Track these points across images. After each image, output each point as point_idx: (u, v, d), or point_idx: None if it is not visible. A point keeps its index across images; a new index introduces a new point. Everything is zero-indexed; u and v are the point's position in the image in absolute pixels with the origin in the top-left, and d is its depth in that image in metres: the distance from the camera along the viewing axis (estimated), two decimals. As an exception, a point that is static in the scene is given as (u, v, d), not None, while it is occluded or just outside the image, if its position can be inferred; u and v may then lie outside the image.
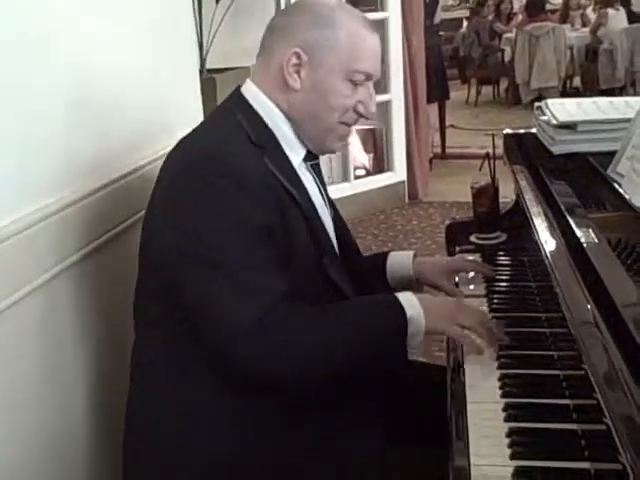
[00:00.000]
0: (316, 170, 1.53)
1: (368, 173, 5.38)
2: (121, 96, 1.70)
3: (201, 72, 3.47)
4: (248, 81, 1.47)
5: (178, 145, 1.40)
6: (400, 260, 1.73)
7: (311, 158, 1.50)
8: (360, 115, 1.46)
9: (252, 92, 1.44)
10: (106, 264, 1.59)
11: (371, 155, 5.43)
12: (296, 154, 1.45)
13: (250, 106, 1.43)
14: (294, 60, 1.39)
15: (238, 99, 1.45)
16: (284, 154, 1.42)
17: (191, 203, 1.30)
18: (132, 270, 1.45)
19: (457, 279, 1.78)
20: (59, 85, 1.46)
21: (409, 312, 1.36)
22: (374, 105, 1.47)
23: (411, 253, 1.75)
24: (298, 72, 1.40)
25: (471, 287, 1.74)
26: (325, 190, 1.56)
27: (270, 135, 1.42)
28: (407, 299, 1.38)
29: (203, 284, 1.29)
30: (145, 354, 1.43)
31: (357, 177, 5.20)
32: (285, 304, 1.29)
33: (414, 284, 1.71)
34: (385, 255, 1.75)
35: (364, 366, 1.39)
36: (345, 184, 5.07)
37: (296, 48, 1.39)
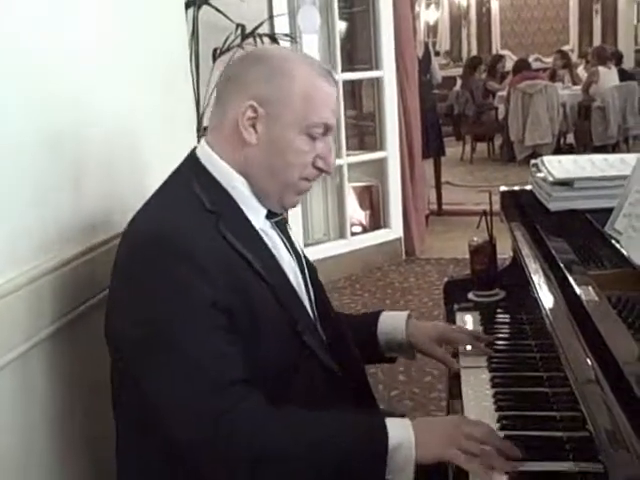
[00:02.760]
0: (282, 227, 1.47)
1: (365, 230, 5.38)
2: (113, 157, 1.67)
3: (198, 130, 3.50)
4: (202, 142, 1.42)
5: (131, 224, 1.35)
6: (393, 321, 1.64)
7: (275, 215, 1.44)
8: (320, 170, 1.40)
9: (206, 154, 1.39)
10: (82, 337, 1.52)
11: (367, 212, 5.45)
12: (257, 214, 1.40)
13: (205, 169, 1.38)
14: (250, 113, 1.34)
15: (193, 163, 1.39)
16: (243, 216, 1.37)
17: (143, 288, 1.24)
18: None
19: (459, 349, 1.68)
20: (40, 144, 1.42)
21: (393, 440, 1.20)
22: (333, 158, 1.43)
23: (405, 314, 1.66)
24: (254, 126, 1.35)
25: (469, 360, 1.63)
26: (294, 248, 1.49)
27: (227, 198, 1.36)
28: (397, 425, 1.24)
29: (156, 370, 1.22)
30: (124, 450, 1.38)
31: (354, 234, 5.20)
32: (242, 387, 1.22)
33: (405, 347, 1.63)
34: (377, 315, 1.67)
35: None
36: (342, 241, 5.07)
37: (251, 101, 1.34)
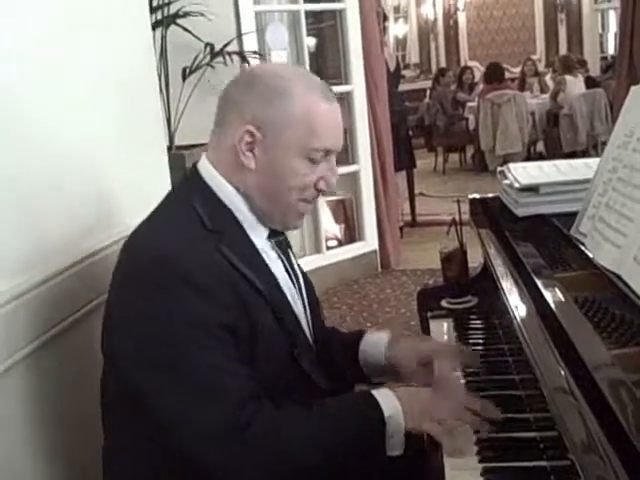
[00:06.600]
0: (283, 247, 1.46)
1: (340, 243, 5.39)
2: (80, 181, 1.66)
3: (170, 149, 3.51)
4: (204, 157, 1.40)
5: (129, 242, 1.33)
6: (373, 343, 1.58)
7: (276, 235, 1.43)
8: (321, 191, 1.39)
9: (208, 171, 1.37)
10: (61, 355, 1.51)
11: (342, 225, 5.46)
12: (258, 233, 1.39)
13: (207, 186, 1.36)
14: (247, 138, 1.31)
15: (195, 179, 1.38)
16: (245, 235, 1.36)
17: (146, 309, 1.24)
18: (90, 362, 1.38)
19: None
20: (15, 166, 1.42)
21: (387, 412, 1.28)
22: (335, 178, 1.39)
23: (386, 337, 1.58)
24: (252, 150, 1.32)
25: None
26: (292, 268, 1.48)
27: (229, 217, 1.35)
28: (385, 397, 1.30)
29: (164, 390, 1.22)
30: (115, 459, 1.37)
31: (329, 248, 5.21)
32: (253, 404, 1.23)
33: (387, 371, 1.57)
34: (360, 335, 1.61)
35: (340, 467, 1.29)
36: (317, 255, 5.08)
37: (249, 126, 1.31)
